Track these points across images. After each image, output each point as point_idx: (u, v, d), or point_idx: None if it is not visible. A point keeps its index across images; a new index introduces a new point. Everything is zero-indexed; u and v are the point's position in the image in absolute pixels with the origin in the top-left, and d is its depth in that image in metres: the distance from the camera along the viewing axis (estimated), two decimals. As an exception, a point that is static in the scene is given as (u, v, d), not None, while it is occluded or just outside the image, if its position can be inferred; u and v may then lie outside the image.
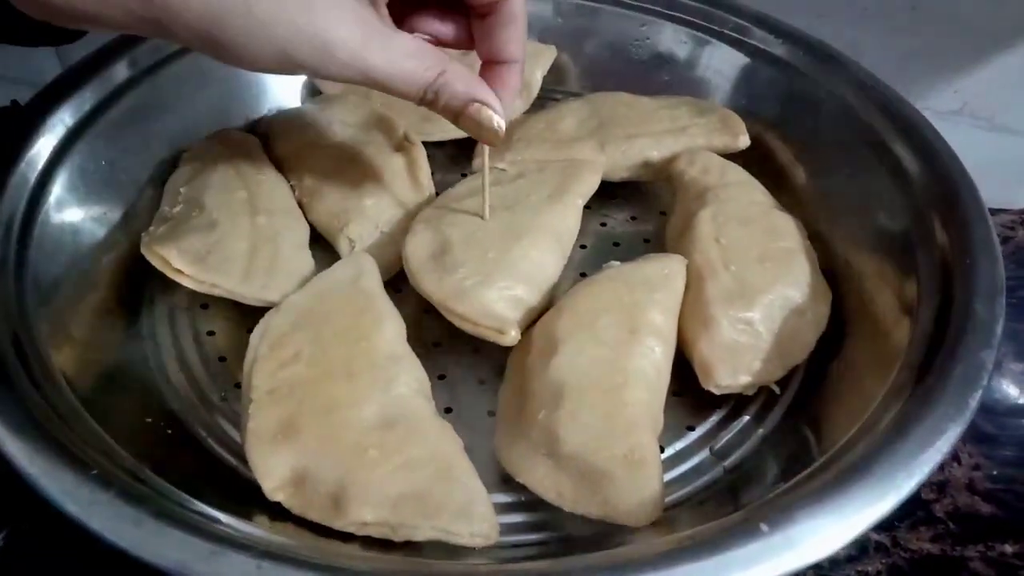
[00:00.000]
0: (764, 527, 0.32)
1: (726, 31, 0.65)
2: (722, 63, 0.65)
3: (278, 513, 0.39)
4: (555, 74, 0.69)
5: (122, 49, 0.57)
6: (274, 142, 0.60)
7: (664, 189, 0.62)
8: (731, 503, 0.41)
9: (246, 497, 0.40)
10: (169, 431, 0.44)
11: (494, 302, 0.47)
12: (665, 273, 0.49)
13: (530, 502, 0.42)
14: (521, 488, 0.41)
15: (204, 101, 0.61)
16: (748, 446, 0.45)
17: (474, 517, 0.37)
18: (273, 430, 0.40)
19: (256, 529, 0.36)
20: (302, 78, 0.66)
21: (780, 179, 0.59)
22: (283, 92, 0.65)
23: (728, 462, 0.44)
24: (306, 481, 0.39)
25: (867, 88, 0.57)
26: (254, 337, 0.45)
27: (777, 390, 0.46)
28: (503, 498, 0.42)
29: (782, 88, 0.62)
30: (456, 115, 0.42)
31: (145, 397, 0.46)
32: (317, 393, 0.42)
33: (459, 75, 0.40)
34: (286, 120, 0.61)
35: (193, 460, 0.44)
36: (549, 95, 0.67)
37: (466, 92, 0.40)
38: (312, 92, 0.65)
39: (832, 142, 0.58)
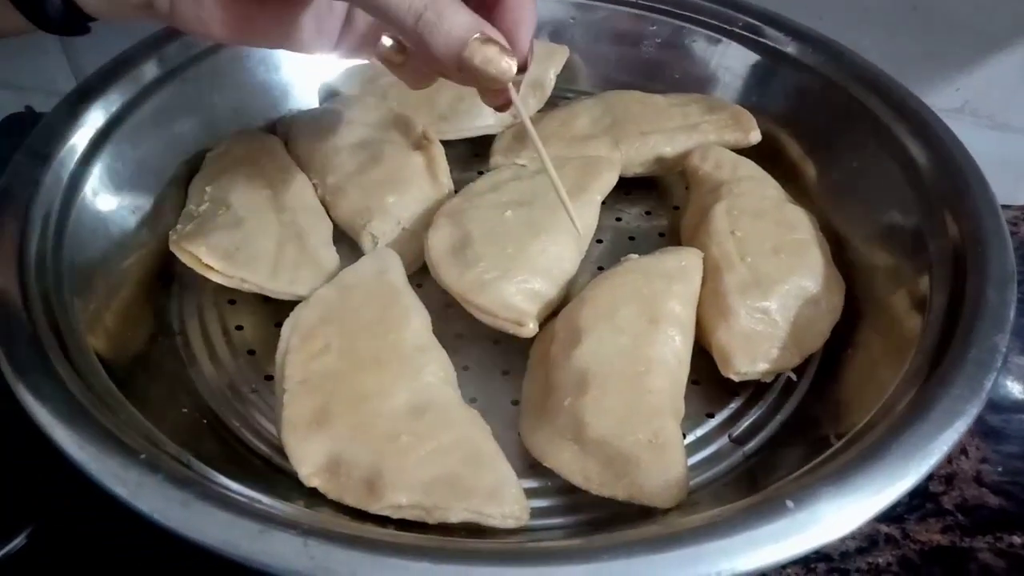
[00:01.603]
0: (790, 503, 0.33)
1: (736, 29, 0.66)
2: (733, 61, 0.66)
3: (314, 499, 0.40)
4: (567, 74, 0.70)
5: (148, 51, 0.58)
6: (295, 142, 0.61)
7: (677, 184, 0.63)
8: (752, 487, 0.42)
9: (282, 484, 0.41)
10: (205, 421, 0.45)
11: (513, 295, 0.48)
12: (683, 265, 0.50)
13: (557, 487, 0.43)
14: (547, 473, 0.42)
15: (225, 102, 0.62)
16: (767, 432, 0.46)
17: (505, 499, 0.39)
18: (307, 418, 0.41)
19: (299, 510, 0.37)
20: (320, 79, 0.67)
21: (791, 174, 0.60)
22: (302, 93, 0.66)
23: (748, 448, 0.46)
24: (341, 467, 0.40)
25: (875, 83, 0.58)
26: (285, 329, 0.46)
27: (794, 377, 0.48)
28: (530, 483, 0.43)
29: (792, 85, 0.63)
30: (455, 54, 0.34)
31: (178, 388, 0.47)
32: (348, 383, 0.43)
33: (457, 6, 0.34)
34: (306, 121, 0.62)
35: (229, 449, 0.45)
36: (561, 95, 0.68)
37: (467, 22, 0.34)
38: (330, 93, 0.66)
39: (842, 137, 0.59)
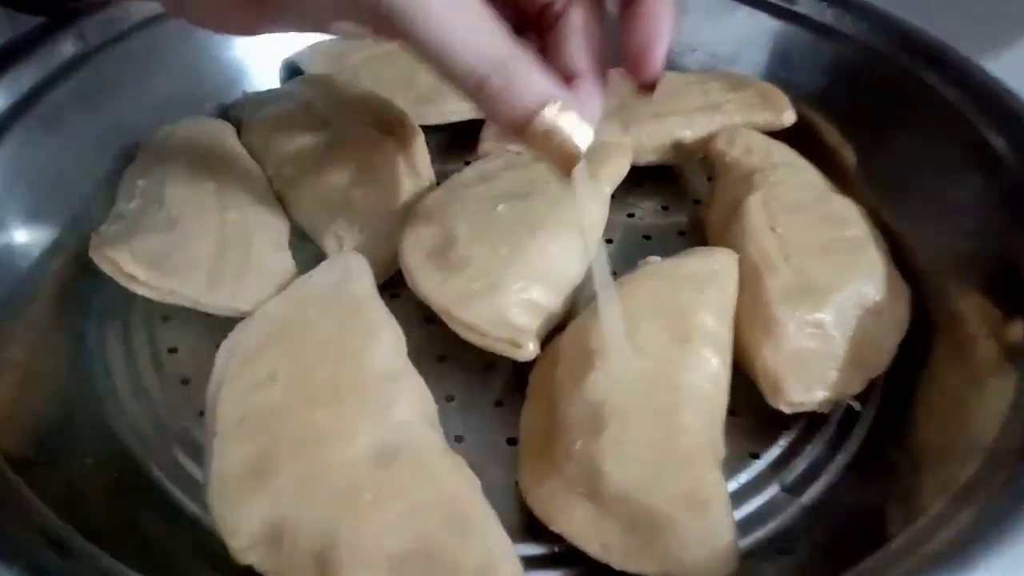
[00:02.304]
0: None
1: (763, -2, 0.57)
2: (756, 31, 0.57)
3: (250, 579, 0.31)
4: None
5: (68, 22, 0.49)
6: (249, 128, 0.52)
7: (696, 174, 0.54)
8: (821, 553, 0.33)
9: (211, 555, 0.32)
10: (116, 474, 0.36)
11: (507, 308, 0.39)
12: (714, 269, 0.41)
13: (566, 554, 0.34)
14: (554, 538, 0.33)
15: (167, 84, 0.53)
16: (828, 478, 0.37)
17: (499, 578, 0.29)
18: (242, 471, 0.32)
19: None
20: (279, 56, 0.58)
21: (827, 163, 0.51)
22: (259, 73, 0.57)
23: (806, 498, 0.36)
24: (284, 537, 0.31)
25: (932, 53, 0.49)
26: (220, 355, 0.37)
27: (857, 406, 0.38)
28: (531, 550, 0.34)
29: (828, 58, 0.54)
30: (522, 121, 0.29)
31: (88, 432, 0.38)
32: (297, 422, 0.34)
33: (534, 66, 0.29)
34: (262, 103, 0.53)
35: (146, 510, 0.35)
36: (560, 75, 0.59)
37: (542, 87, 0.29)
38: (292, 72, 0.57)
39: (890, 118, 0.50)
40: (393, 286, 0.44)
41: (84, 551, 0.27)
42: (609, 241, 0.49)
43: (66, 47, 0.48)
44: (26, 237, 0.43)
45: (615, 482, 0.32)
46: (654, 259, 0.42)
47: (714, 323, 0.38)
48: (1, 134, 0.44)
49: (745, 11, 0.58)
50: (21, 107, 0.45)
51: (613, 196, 0.49)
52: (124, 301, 0.44)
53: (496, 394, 0.41)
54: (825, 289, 0.40)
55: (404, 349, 0.38)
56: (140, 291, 0.40)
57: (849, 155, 0.52)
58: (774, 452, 0.38)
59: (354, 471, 0.32)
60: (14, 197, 0.43)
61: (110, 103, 0.50)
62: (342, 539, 0.30)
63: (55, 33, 0.48)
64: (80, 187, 0.47)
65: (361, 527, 0.31)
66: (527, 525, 0.34)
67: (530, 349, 0.37)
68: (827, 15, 0.55)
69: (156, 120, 0.51)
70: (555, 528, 0.33)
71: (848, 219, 0.44)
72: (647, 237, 0.50)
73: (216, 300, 0.40)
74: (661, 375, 0.35)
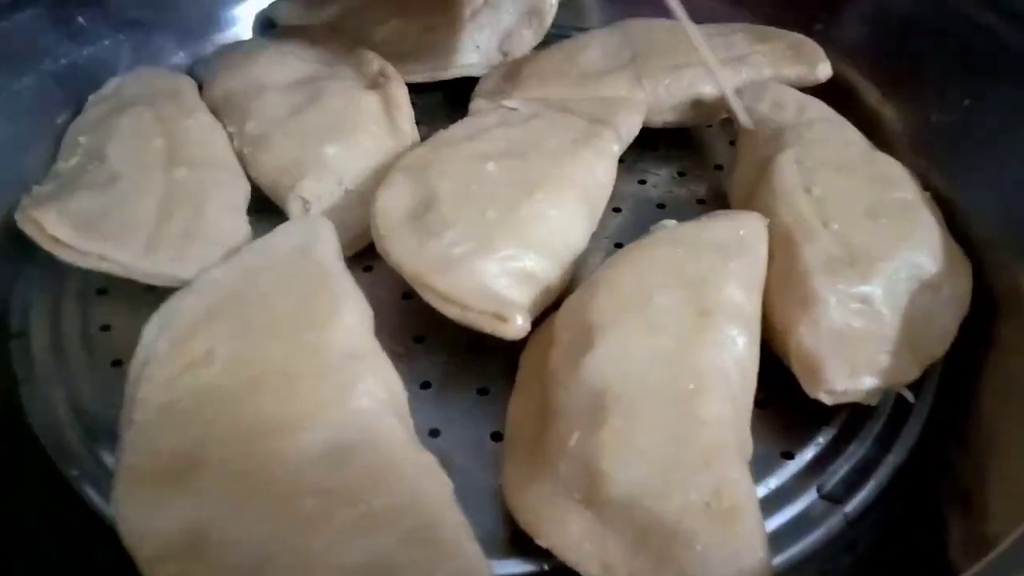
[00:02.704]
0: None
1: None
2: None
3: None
4: (573, 8, 0.55)
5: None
6: (211, 82, 0.46)
7: (719, 138, 0.49)
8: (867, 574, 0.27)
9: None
10: (22, 471, 0.30)
11: (493, 277, 0.33)
12: (740, 234, 0.35)
13: (557, 571, 0.27)
14: (543, 554, 0.27)
15: (126, 36, 0.48)
16: (875, 483, 0.31)
17: (470, 608, 0.23)
18: (161, 466, 0.26)
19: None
20: (253, 7, 0.52)
21: (866, 125, 0.44)
22: (229, 26, 0.52)
23: (849, 507, 0.30)
24: (208, 549, 0.25)
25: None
26: (149, 329, 0.31)
27: (910, 398, 0.32)
28: (514, 566, 0.28)
29: (868, 5, 0.48)
30: None
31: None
32: (235, 409, 0.28)
33: None
34: (228, 55, 0.47)
35: (56, 512, 0.29)
36: (564, 34, 0.53)
37: None
38: (267, 25, 0.52)
39: (942, 71, 0.44)
40: (366, 259, 0.39)
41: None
42: (617, 210, 0.43)
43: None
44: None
45: (619, 484, 0.26)
46: (669, 223, 0.36)
47: (741, 297, 0.32)
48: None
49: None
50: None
51: (623, 160, 0.43)
52: (57, 270, 0.38)
53: (481, 380, 0.35)
54: (873, 257, 0.34)
55: (371, 326, 0.33)
56: (65, 256, 0.35)
57: (891, 115, 0.46)
58: (810, 452, 0.32)
59: (300, 470, 0.27)
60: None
61: (54, 52, 0.44)
62: (280, 553, 0.25)
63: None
64: (16, 145, 0.41)
65: (304, 539, 0.25)
66: (511, 538, 0.29)
67: (518, 324, 0.31)
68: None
69: (109, 75, 0.46)
70: (543, 542, 0.27)
71: (897, 179, 0.38)
72: (661, 206, 0.44)
73: (154, 266, 0.35)
74: (677, 355, 0.29)
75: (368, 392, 0.29)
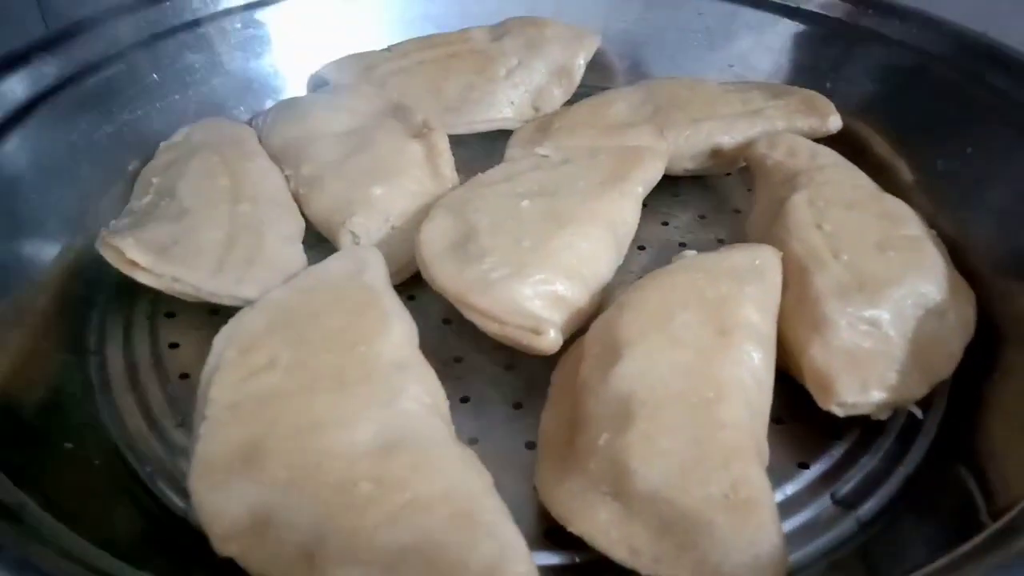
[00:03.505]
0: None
1: (801, 6, 0.55)
2: (797, 43, 0.55)
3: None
4: (600, 69, 0.60)
5: (105, 17, 0.48)
6: (270, 131, 0.50)
7: (737, 186, 0.52)
8: (878, 572, 0.29)
9: (190, 555, 0.29)
10: (96, 461, 0.33)
11: (528, 299, 0.36)
12: (756, 263, 0.37)
13: (589, 563, 0.30)
14: (574, 541, 0.29)
15: (193, 91, 0.52)
16: (886, 490, 0.33)
17: (508, 579, 0.25)
18: (229, 456, 0.29)
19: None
20: (308, 69, 0.57)
21: (877, 173, 0.47)
22: (286, 84, 0.56)
23: (862, 512, 0.32)
24: (269, 528, 0.28)
25: (989, 52, 0.46)
26: (219, 340, 0.34)
27: (919, 414, 0.34)
28: (548, 558, 0.31)
29: (876, 65, 0.52)
30: None
31: (74, 420, 0.35)
32: (294, 409, 0.31)
33: None
34: (285, 108, 0.52)
35: (130, 506, 0.32)
36: (591, 92, 0.57)
37: None
38: (320, 84, 0.56)
39: (947, 121, 0.47)
40: (410, 289, 0.42)
41: (41, 522, 0.24)
42: (642, 248, 0.46)
43: (97, 45, 0.48)
44: (37, 230, 0.42)
45: (644, 479, 0.28)
46: (690, 253, 0.39)
47: (758, 318, 0.35)
48: (19, 123, 0.43)
49: (785, 24, 0.56)
50: (40, 99, 0.44)
51: (647, 204, 0.46)
52: (129, 297, 0.42)
53: (515, 396, 0.37)
54: (881, 284, 0.36)
55: (416, 341, 0.36)
56: (142, 279, 0.38)
57: (900, 164, 0.49)
58: (825, 463, 0.34)
59: (352, 461, 0.29)
60: (32, 187, 0.42)
61: (131, 105, 0.49)
62: (335, 532, 0.27)
63: (88, 30, 0.48)
64: (94, 182, 0.45)
65: (355, 520, 0.27)
66: (546, 533, 0.31)
67: (551, 337, 0.34)
68: (872, 21, 0.52)
69: (176, 126, 0.50)
70: (575, 529, 0.29)
71: (904, 217, 0.41)
72: (683, 245, 0.47)
73: (220, 287, 0.38)
74: (698, 367, 0.32)
75: (413, 396, 0.32)
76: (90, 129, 0.46)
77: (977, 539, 0.26)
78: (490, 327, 0.35)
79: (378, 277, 0.38)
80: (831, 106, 0.49)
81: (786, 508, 0.32)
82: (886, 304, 0.35)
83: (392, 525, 0.27)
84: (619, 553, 0.28)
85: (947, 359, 0.35)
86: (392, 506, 0.27)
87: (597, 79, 0.59)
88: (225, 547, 0.27)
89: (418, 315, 0.38)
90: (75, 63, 0.47)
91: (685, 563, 0.27)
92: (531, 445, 0.35)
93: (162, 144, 0.48)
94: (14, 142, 0.42)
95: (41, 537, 0.24)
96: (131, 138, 0.49)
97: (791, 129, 0.49)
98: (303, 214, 0.45)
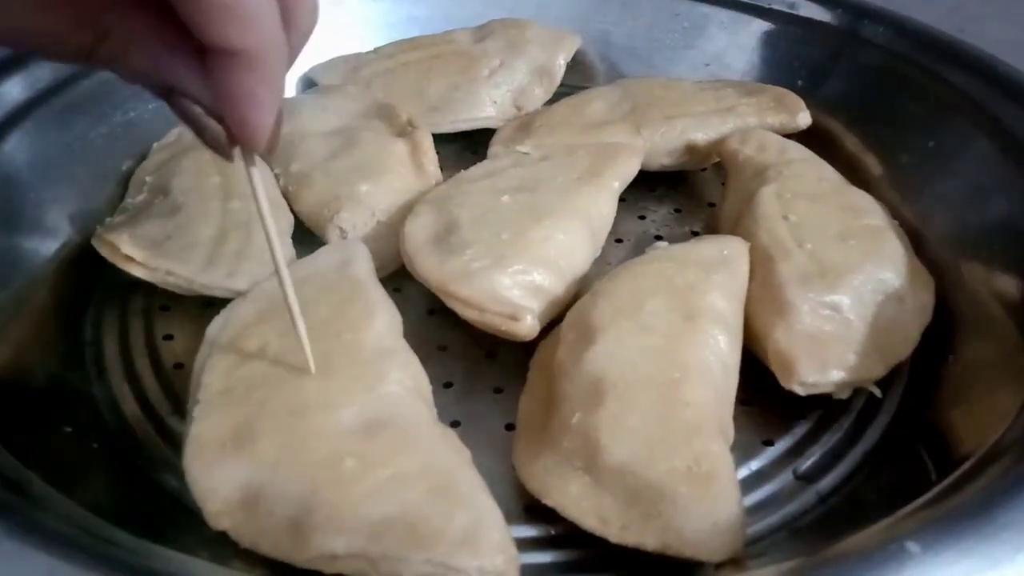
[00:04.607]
0: (912, 546, 0.21)
1: (773, 6, 0.57)
2: (770, 42, 0.57)
3: (223, 549, 0.29)
4: (579, 68, 0.61)
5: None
6: (260, 131, 0.52)
7: (711, 180, 0.53)
8: (832, 537, 0.30)
9: (184, 529, 0.30)
10: (95, 445, 0.35)
11: (507, 288, 0.38)
12: (724, 253, 0.39)
13: (562, 535, 0.31)
14: (549, 516, 0.31)
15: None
16: (845, 466, 0.35)
17: (482, 545, 0.27)
18: (222, 437, 0.31)
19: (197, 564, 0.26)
20: (297, 71, 0.58)
21: (846, 166, 0.49)
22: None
23: (822, 485, 0.34)
24: (260, 503, 0.29)
25: (949, 50, 0.48)
26: (211, 328, 0.36)
27: (878, 392, 0.36)
28: (525, 531, 0.32)
29: (845, 62, 0.53)
30: None
31: (74, 406, 0.37)
32: (283, 392, 0.32)
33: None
34: (274, 108, 0.53)
35: (128, 484, 0.34)
36: (571, 91, 0.59)
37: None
38: (308, 85, 0.58)
39: (913, 119, 0.49)
40: (395, 281, 0.43)
41: (44, 494, 0.26)
42: (619, 241, 0.48)
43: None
44: (36, 227, 0.43)
45: (614, 454, 0.30)
46: (661, 244, 0.41)
47: (723, 304, 0.37)
48: (17, 124, 0.44)
49: (758, 23, 0.58)
50: (37, 101, 0.46)
51: (624, 199, 0.48)
52: (124, 291, 0.43)
53: (496, 381, 0.39)
54: (841, 271, 0.38)
55: (400, 330, 0.37)
56: (136, 272, 0.40)
57: (869, 158, 0.51)
58: (788, 440, 0.36)
59: (338, 440, 0.31)
60: (30, 186, 0.43)
61: (124, 107, 0.50)
62: (321, 504, 0.29)
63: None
64: (88, 180, 0.47)
65: (340, 493, 0.29)
66: (520, 504, 0.32)
67: (528, 323, 0.36)
68: (842, 21, 0.54)
69: (172, 126, 0.52)
70: (549, 501, 0.30)
71: (866, 209, 0.43)
72: (659, 237, 0.49)
73: (212, 280, 0.39)
74: (666, 350, 0.33)
75: (397, 380, 0.33)
76: (85, 130, 0.48)
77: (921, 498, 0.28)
78: (470, 315, 0.37)
79: (364, 269, 0.40)
80: (801, 103, 0.51)
81: (751, 483, 0.34)
82: (846, 290, 0.37)
83: (375, 498, 0.29)
84: (589, 522, 0.29)
85: (905, 342, 0.37)
86: (375, 481, 0.29)
87: (577, 79, 0.60)
88: (218, 522, 0.29)
89: (404, 306, 0.39)
90: (70, 67, 0.48)
91: (650, 530, 0.29)
92: (511, 427, 0.36)
93: (155, 144, 0.50)
94: (12, 143, 0.43)
95: (46, 506, 0.25)
96: (125, 139, 0.50)
97: (762, 125, 0.50)
98: (292, 210, 0.46)
